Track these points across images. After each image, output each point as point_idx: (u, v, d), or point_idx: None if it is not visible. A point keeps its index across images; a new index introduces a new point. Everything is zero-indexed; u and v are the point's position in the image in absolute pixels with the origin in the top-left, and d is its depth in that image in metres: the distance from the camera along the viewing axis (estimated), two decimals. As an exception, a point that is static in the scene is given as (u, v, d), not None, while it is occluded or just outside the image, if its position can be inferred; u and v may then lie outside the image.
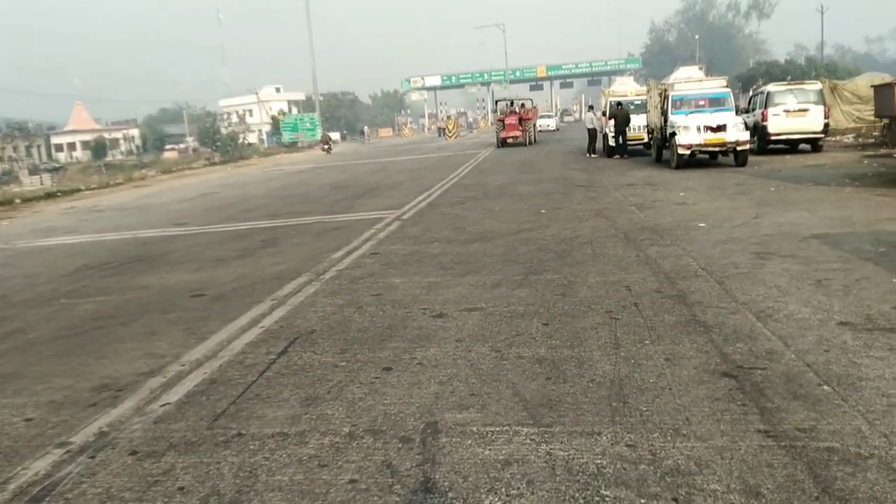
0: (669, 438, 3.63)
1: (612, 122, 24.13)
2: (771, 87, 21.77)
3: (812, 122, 20.24)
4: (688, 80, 21.93)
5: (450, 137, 55.19)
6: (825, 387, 4.14)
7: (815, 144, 20.76)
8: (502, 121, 36.98)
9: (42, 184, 37.84)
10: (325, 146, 49.79)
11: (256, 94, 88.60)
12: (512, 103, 39.97)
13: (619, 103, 25.11)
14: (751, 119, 21.11)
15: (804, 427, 3.66)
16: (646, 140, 23.28)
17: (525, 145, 35.44)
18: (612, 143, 24.06)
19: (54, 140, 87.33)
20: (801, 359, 4.60)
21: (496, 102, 42.72)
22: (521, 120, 36.58)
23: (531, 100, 46.37)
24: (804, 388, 4.15)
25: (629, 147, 24.16)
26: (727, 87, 19.98)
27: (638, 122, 23.84)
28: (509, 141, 36.10)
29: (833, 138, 23.94)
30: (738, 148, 17.46)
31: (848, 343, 4.83)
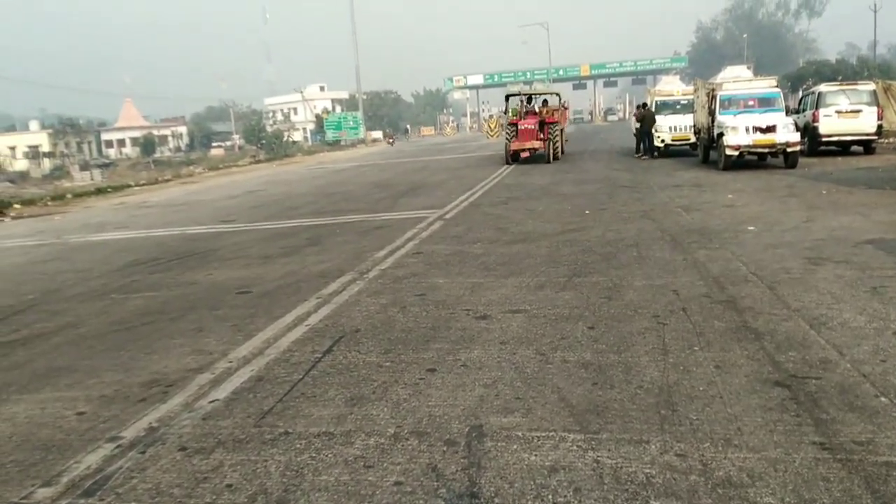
0: (721, 448, 3.55)
1: (639, 124, 24.36)
2: (823, 88, 21.28)
3: (865, 123, 19.75)
4: (736, 79, 21.57)
5: (491, 136, 55.15)
6: (882, 398, 4.02)
7: (867, 146, 20.25)
8: (515, 124, 25.39)
9: (92, 179, 38.83)
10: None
11: (301, 92, 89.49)
12: (530, 100, 27.43)
13: (644, 104, 25.13)
14: (801, 120, 20.68)
15: (861, 440, 3.55)
16: (692, 140, 22.95)
17: (548, 161, 24.40)
18: (656, 143, 23.84)
19: (104, 136, 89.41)
20: (856, 369, 4.48)
21: (507, 98, 28.47)
22: (541, 124, 25.06)
23: (558, 94, 29.61)
24: (860, 399, 4.03)
25: (671, 148, 24.02)
26: (777, 86, 19.58)
27: (684, 122, 23.52)
28: (523, 155, 25.03)
29: (886, 140, 23.32)
30: (788, 149, 17.12)
31: (906, 353, 4.69)
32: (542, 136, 24.85)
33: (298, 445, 3.87)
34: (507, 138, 25.97)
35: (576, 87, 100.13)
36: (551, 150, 24.76)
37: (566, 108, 32.17)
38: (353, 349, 5.48)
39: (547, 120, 25.48)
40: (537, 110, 26.46)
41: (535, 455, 3.61)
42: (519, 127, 25.02)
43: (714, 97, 19.18)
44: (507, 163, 24.93)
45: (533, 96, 27.77)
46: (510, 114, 27.14)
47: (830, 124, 20.00)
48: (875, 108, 19.94)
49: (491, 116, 67.80)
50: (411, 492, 3.33)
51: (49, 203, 24.31)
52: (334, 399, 4.51)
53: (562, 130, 27.47)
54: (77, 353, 5.94)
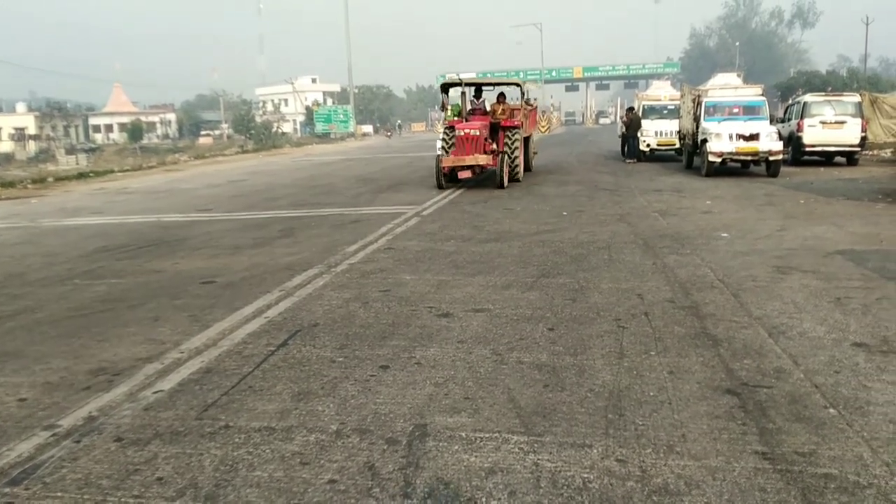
0: (662, 455, 3.51)
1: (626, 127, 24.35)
2: (808, 98, 21.35)
3: (849, 134, 19.83)
4: (723, 87, 21.62)
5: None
6: (831, 410, 3.99)
7: (850, 157, 20.34)
8: (452, 127, 17.19)
9: (78, 164, 38.41)
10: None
11: (292, 83, 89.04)
12: (479, 93, 18.78)
13: (632, 108, 25.11)
14: (786, 129, 20.73)
15: (804, 451, 3.52)
16: (677, 146, 23.00)
17: (500, 185, 16.27)
18: (642, 147, 23.89)
19: (92, 121, 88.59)
20: (809, 379, 4.45)
21: (443, 89, 19.22)
22: (494, 129, 17.22)
23: (519, 84, 19.94)
24: (809, 409, 4.00)
25: (656, 152, 24.12)
26: (762, 95, 19.63)
27: (670, 127, 23.57)
28: (463, 175, 16.26)
29: (870, 152, 23.44)
30: (771, 158, 17.15)
31: (860, 365, 4.67)
32: (493, 146, 16.87)
33: (237, 440, 3.80)
34: (442, 148, 17.55)
35: (568, 89, 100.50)
36: (505, 169, 16.39)
37: (532, 107, 21.84)
38: (309, 343, 5.41)
39: (503, 123, 17.44)
40: (489, 108, 18.33)
41: (476, 456, 3.55)
42: (457, 133, 16.42)
43: (699, 103, 19.21)
44: (439, 186, 16.31)
45: (483, 88, 19.08)
46: (448, 113, 18.83)
47: (814, 134, 20.07)
48: (859, 120, 20.02)
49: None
50: (344, 490, 3.26)
51: (29, 186, 24.03)
52: (281, 394, 4.43)
53: (527, 139, 19.51)
54: (29, 339, 5.83)
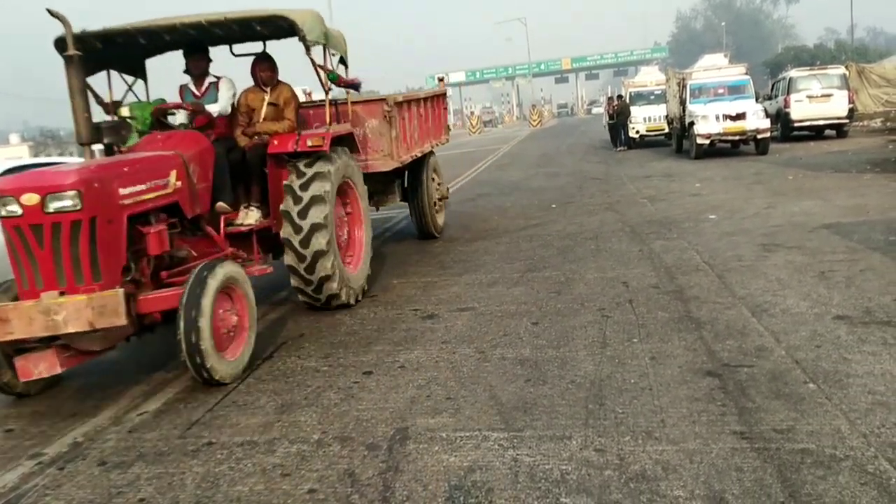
0: (640, 442, 3.52)
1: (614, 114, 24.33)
2: (793, 73, 21.29)
3: (836, 107, 19.73)
4: (709, 68, 21.60)
5: (472, 132, 55.70)
6: (810, 384, 4.00)
7: (840, 130, 20.24)
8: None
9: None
10: None
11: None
12: (193, 59, 6.42)
13: (619, 96, 25.12)
14: (773, 106, 20.69)
15: (781, 428, 3.53)
16: (666, 130, 22.98)
17: (204, 379, 4.67)
18: (632, 133, 23.87)
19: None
20: (790, 355, 4.46)
21: (71, 64, 5.64)
22: (242, 168, 6.12)
23: (292, 21, 5.81)
24: (789, 386, 4.01)
25: (646, 138, 24.12)
26: (747, 74, 19.61)
27: (658, 112, 23.55)
28: (24, 377, 4.50)
29: (860, 123, 23.36)
30: (759, 136, 17.12)
31: (842, 338, 4.67)
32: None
33: (219, 455, 3.81)
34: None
35: (558, 81, 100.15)
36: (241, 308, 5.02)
37: (436, 96, 10.74)
38: (294, 354, 5.43)
39: (272, 143, 6.18)
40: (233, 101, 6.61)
41: (455, 456, 3.56)
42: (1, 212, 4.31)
43: (685, 86, 19.20)
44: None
45: (205, 50, 6.62)
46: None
47: (802, 109, 19.97)
48: (846, 92, 19.91)
49: (472, 114, 68.52)
50: (323, 499, 3.28)
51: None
52: (264, 407, 4.45)
53: (420, 166, 9.31)
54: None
